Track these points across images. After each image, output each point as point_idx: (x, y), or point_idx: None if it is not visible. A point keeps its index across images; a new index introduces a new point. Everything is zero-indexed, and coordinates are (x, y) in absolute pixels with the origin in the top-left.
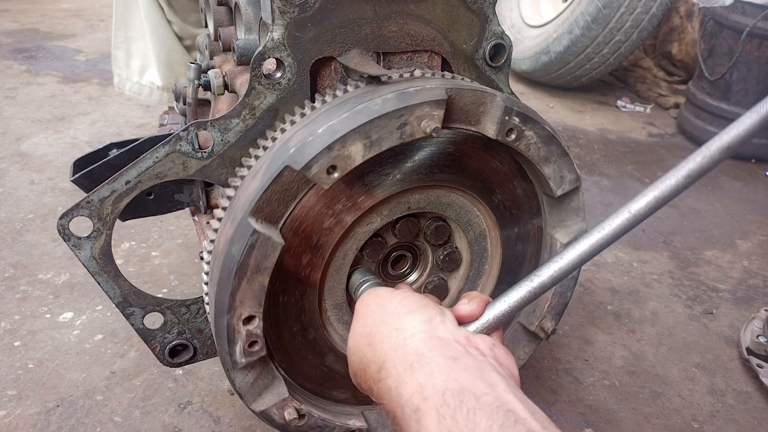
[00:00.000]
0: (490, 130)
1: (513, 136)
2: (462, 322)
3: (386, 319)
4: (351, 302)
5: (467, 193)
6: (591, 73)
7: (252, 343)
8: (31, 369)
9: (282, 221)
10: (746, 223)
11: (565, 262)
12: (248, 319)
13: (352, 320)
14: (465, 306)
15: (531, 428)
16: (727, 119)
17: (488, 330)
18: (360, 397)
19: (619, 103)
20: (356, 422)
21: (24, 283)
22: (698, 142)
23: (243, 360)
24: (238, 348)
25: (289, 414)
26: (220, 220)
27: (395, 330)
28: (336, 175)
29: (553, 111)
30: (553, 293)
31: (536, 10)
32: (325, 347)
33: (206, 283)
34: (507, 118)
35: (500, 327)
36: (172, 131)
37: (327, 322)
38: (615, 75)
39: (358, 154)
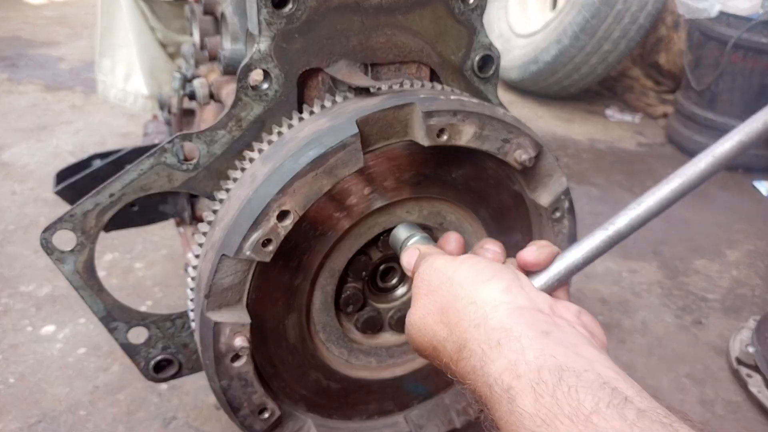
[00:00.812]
0: (420, 138)
1: (446, 136)
2: (526, 270)
3: (458, 293)
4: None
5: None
6: (580, 82)
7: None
8: (12, 384)
9: (245, 297)
10: (734, 232)
11: (643, 209)
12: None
13: (413, 292)
14: (533, 252)
15: (641, 408)
16: (715, 129)
17: (559, 283)
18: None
19: (608, 112)
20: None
21: (5, 295)
22: (687, 151)
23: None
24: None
25: None
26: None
27: (472, 304)
28: (271, 248)
29: (542, 120)
30: None
31: (525, 19)
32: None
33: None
34: (431, 122)
35: (568, 282)
36: (155, 142)
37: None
38: (603, 84)
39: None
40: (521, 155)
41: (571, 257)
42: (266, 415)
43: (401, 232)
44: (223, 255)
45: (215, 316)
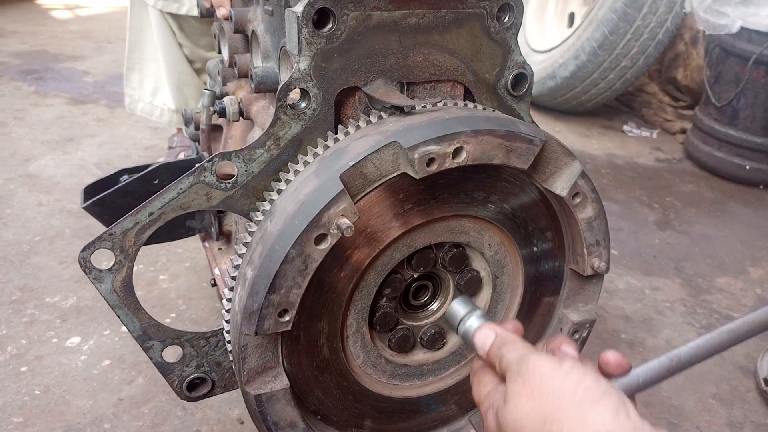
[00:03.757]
0: (560, 188)
1: (578, 200)
2: (609, 373)
3: (566, 407)
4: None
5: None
6: (597, 98)
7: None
8: (37, 395)
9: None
10: (757, 249)
11: (704, 348)
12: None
13: (510, 389)
14: (616, 356)
15: None
16: (735, 145)
17: (636, 391)
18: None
19: (626, 127)
20: None
21: (31, 306)
22: (706, 167)
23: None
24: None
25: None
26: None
27: (581, 424)
28: (434, 168)
29: (559, 135)
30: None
31: (542, 35)
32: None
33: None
34: (579, 182)
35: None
36: (180, 156)
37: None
38: (620, 100)
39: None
40: (598, 263)
41: (645, 373)
42: (285, 318)
43: (458, 309)
44: (394, 142)
45: (339, 186)
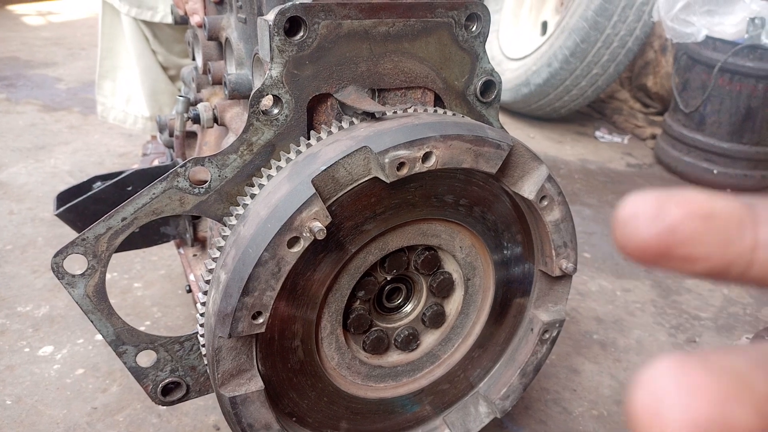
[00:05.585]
0: (527, 191)
1: (545, 203)
2: None
3: None
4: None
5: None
6: (570, 104)
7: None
8: (9, 406)
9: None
10: None
11: None
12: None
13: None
14: None
15: None
16: (703, 150)
17: None
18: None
19: (598, 133)
20: None
21: (2, 315)
22: (675, 172)
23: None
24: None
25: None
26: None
27: None
28: (405, 171)
29: (534, 141)
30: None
31: (515, 43)
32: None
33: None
34: (546, 185)
35: None
36: (154, 163)
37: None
38: (593, 107)
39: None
40: (566, 264)
41: None
42: (259, 320)
43: None
44: (365, 147)
45: (310, 190)
